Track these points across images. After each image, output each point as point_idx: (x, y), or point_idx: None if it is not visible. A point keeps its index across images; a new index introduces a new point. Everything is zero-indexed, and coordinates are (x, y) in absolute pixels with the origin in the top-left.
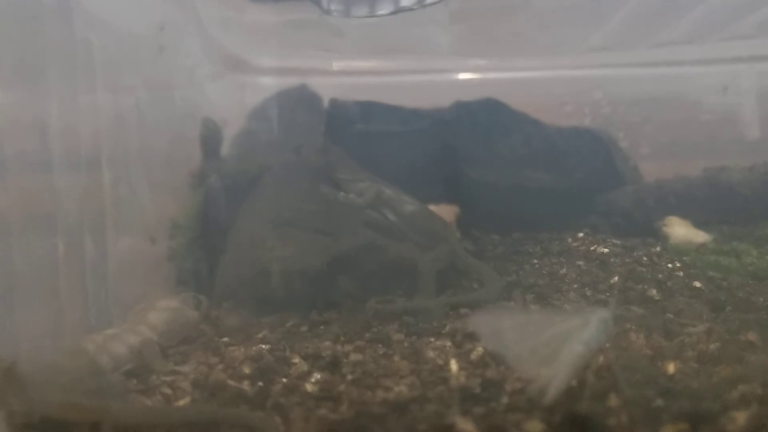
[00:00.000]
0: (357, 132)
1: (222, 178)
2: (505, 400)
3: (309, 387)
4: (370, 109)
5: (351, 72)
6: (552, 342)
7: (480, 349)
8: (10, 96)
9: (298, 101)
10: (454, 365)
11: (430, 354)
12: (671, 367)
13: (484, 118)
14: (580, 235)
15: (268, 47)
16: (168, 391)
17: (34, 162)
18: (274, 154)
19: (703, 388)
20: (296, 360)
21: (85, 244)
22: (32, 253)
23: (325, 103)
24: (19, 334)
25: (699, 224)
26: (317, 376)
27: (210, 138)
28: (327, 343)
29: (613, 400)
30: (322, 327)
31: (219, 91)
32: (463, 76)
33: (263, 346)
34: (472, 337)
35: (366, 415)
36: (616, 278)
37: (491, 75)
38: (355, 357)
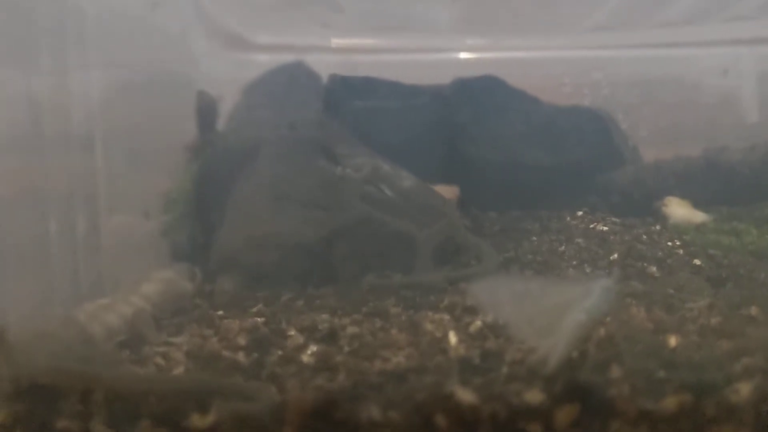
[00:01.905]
0: (356, 108)
1: (218, 152)
2: (505, 370)
3: (305, 358)
4: (369, 85)
5: (349, 49)
6: (553, 311)
7: (479, 322)
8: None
9: (293, 77)
10: (452, 337)
11: (428, 326)
12: (673, 341)
13: (483, 95)
14: (579, 213)
15: (266, 24)
16: (161, 361)
17: (25, 138)
18: (270, 129)
19: (705, 361)
20: (292, 332)
21: (77, 218)
22: (23, 228)
23: (324, 79)
24: (8, 303)
25: (698, 204)
26: (313, 348)
27: (205, 111)
28: (323, 315)
29: (615, 371)
30: (318, 301)
31: (216, 68)
32: (463, 55)
33: (258, 319)
34: (471, 310)
35: (364, 385)
36: (615, 255)
37: (490, 54)
38: (352, 330)
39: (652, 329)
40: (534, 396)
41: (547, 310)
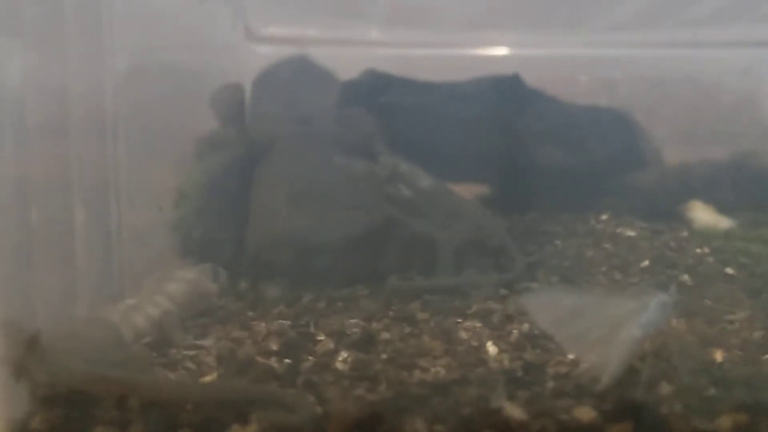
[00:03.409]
0: (380, 104)
1: (231, 147)
2: (550, 384)
3: (340, 365)
4: (392, 82)
5: (367, 43)
6: (607, 325)
7: (516, 331)
8: (31, 59)
9: (298, 71)
10: (491, 347)
11: (463, 335)
12: (718, 355)
13: (502, 94)
14: (604, 216)
15: (281, 15)
16: (192, 365)
17: (52, 127)
18: (275, 123)
19: (755, 377)
20: (321, 337)
21: (104, 211)
22: (50, 220)
23: (333, 75)
24: (37, 300)
25: (723, 210)
26: (344, 354)
27: (234, 104)
28: (351, 320)
29: (665, 388)
30: (339, 303)
31: (232, 59)
32: (480, 51)
33: (283, 322)
34: (508, 318)
35: (407, 396)
36: (646, 262)
37: (508, 51)
38: (382, 335)
39: (697, 343)
40: (585, 413)
41: (600, 325)
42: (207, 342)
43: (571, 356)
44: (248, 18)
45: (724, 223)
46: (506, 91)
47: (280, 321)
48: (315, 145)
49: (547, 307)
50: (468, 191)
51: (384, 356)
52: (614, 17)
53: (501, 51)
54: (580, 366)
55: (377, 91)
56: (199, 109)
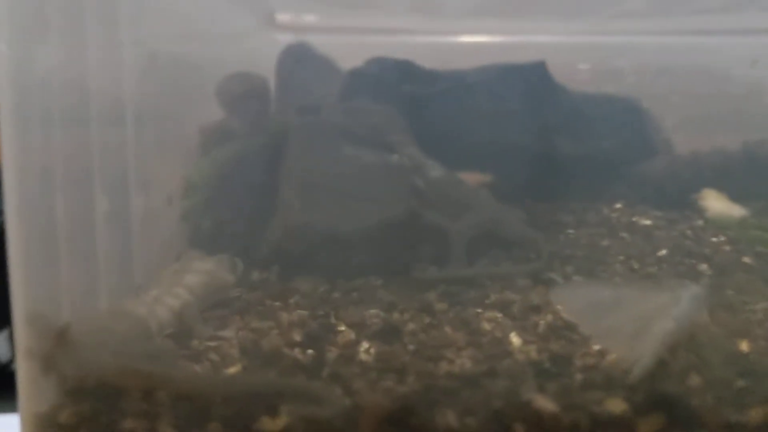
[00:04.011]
0: (391, 92)
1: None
2: (579, 376)
3: (364, 356)
4: (403, 69)
5: (365, 31)
6: (641, 317)
7: (541, 322)
8: (54, 50)
9: (299, 59)
10: (515, 338)
11: (485, 326)
12: (744, 346)
13: (508, 83)
14: (618, 206)
15: (303, 3)
16: (215, 357)
17: (74, 117)
18: (278, 113)
19: None
20: (342, 328)
21: (124, 202)
22: (73, 211)
23: (333, 62)
24: (62, 293)
25: (735, 199)
26: (366, 344)
27: (238, 95)
28: (372, 311)
29: (695, 380)
30: (354, 294)
31: (256, 47)
32: (482, 38)
33: (302, 312)
34: (532, 309)
35: (436, 389)
36: (664, 251)
37: (510, 38)
38: (404, 326)
39: (722, 334)
40: (617, 405)
41: (633, 318)
42: (228, 333)
43: (597, 347)
44: (271, 6)
45: (737, 211)
46: (532, 80)
47: (299, 311)
48: (325, 136)
49: (576, 300)
50: (471, 179)
51: (410, 347)
52: (622, 5)
53: (505, 39)
54: (607, 358)
55: (390, 80)
56: (206, 98)
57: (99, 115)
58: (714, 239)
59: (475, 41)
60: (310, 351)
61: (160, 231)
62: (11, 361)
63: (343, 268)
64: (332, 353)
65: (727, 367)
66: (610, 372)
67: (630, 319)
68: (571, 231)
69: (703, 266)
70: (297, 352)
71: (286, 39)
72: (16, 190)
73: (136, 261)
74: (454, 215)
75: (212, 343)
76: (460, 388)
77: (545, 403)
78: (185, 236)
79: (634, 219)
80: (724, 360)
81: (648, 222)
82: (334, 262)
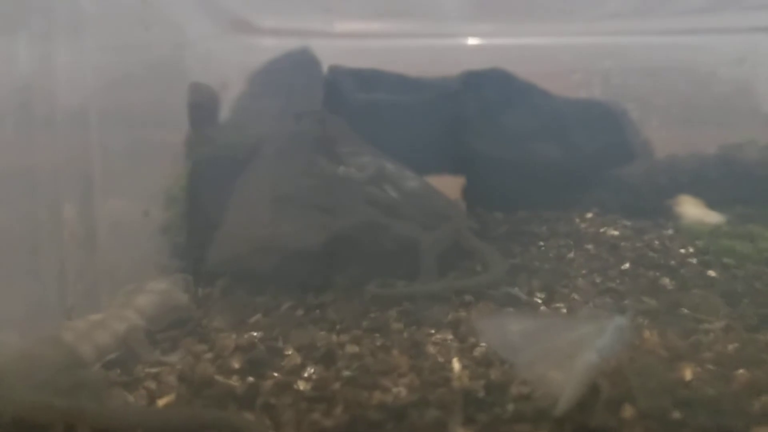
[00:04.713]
0: (358, 101)
1: (218, 148)
2: (510, 407)
3: (302, 384)
4: (371, 78)
5: (354, 34)
6: (564, 348)
7: (483, 345)
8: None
9: (298, 64)
10: (456, 363)
11: (431, 349)
12: (688, 373)
13: (490, 89)
14: (589, 215)
15: (269, 6)
16: (152, 385)
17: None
18: (273, 122)
19: (722, 398)
20: (289, 351)
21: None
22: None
23: (325, 68)
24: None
25: (712, 204)
26: (311, 370)
27: (201, 105)
28: (322, 333)
29: (628, 411)
30: (317, 311)
31: (219, 51)
32: (471, 41)
33: (255, 334)
34: (475, 331)
35: (363, 421)
36: (627, 264)
37: (499, 40)
38: (351, 349)
39: (667, 358)
40: None
41: (557, 349)
42: (172, 358)
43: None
44: (246, 10)
45: (713, 217)
46: (486, 86)
47: (252, 333)
48: (295, 146)
49: (499, 332)
50: (454, 185)
51: (346, 373)
52: (607, 6)
53: (490, 41)
54: (540, 388)
55: (347, 87)
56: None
57: (63, 123)
58: (682, 250)
59: (462, 44)
60: (250, 378)
61: (131, 246)
62: None
63: (303, 283)
64: (271, 381)
65: (663, 397)
66: (540, 403)
67: (553, 351)
68: (542, 243)
69: (666, 280)
70: (235, 380)
71: (268, 43)
72: None
73: (75, 278)
74: (430, 227)
75: (153, 370)
76: (387, 420)
77: None
78: (164, 250)
79: (602, 230)
80: (660, 389)
81: (615, 233)
82: (300, 276)
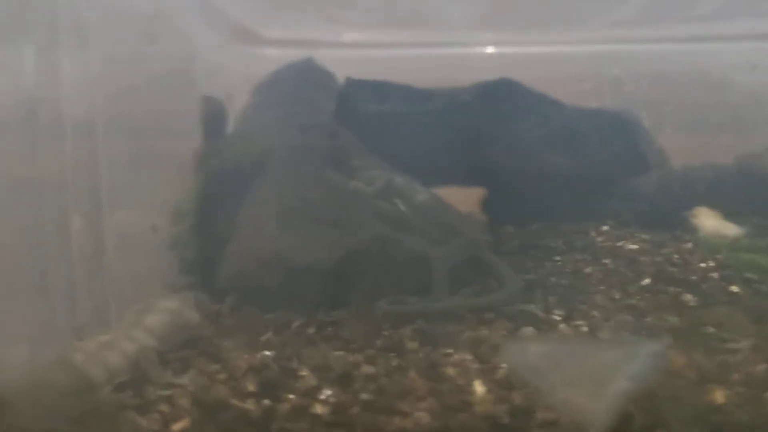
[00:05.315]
0: (370, 113)
1: (224, 161)
2: None
3: (319, 408)
4: (383, 89)
5: (360, 44)
6: (591, 374)
7: (505, 367)
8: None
9: (303, 75)
10: (478, 386)
11: (449, 371)
12: (719, 396)
13: (502, 100)
14: (605, 228)
15: (276, 17)
16: (165, 408)
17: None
18: (280, 130)
19: (756, 424)
20: (304, 372)
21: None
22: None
23: (336, 78)
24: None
25: (729, 215)
26: (328, 392)
27: (213, 117)
28: (336, 352)
29: None
30: (330, 329)
31: (225, 63)
32: (479, 50)
33: (267, 353)
34: (496, 348)
35: None
36: (647, 280)
37: (507, 49)
38: (366, 370)
39: (695, 381)
40: None
41: (584, 374)
42: (184, 379)
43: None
44: (252, 21)
45: (731, 229)
46: (497, 96)
47: (264, 352)
48: (304, 159)
49: (521, 353)
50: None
51: (363, 396)
52: (618, 13)
53: (499, 50)
54: (566, 414)
55: (361, 100)
56: (192, 120)
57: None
58: (702, 264)
59: (471, 53)
60: (265, 401)
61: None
62: None
63: (314, 300)
64: (288, 404)
65: (698, 424)
66: (569, 428)
67: (583, 376)
68: (558, 257)
69: (688, 296)
70: (250, 403)
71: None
72: None
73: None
74: (440, 241)
75: (165, 392)
76: None
77: None
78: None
79: (619, 243)
80: (694, 415)
81: (634, 246)
82: (310, 293)
